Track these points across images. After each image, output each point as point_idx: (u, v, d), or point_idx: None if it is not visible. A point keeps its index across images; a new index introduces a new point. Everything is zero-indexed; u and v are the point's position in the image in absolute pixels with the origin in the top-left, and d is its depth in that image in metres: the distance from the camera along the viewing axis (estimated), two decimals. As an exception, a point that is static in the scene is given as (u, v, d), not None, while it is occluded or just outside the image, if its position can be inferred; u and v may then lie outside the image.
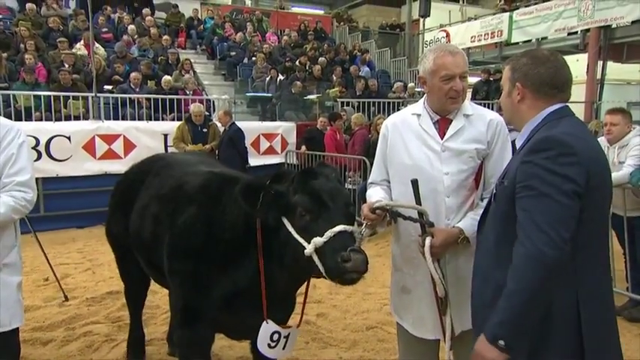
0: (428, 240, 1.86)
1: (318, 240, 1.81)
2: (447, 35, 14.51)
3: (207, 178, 2.46)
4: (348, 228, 1.83)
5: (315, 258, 1.82)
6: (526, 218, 1.41)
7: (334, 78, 11.93)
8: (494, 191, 1.65)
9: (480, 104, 9.07)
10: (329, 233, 1.80)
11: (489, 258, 1.57)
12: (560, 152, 1.40)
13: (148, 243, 2.54)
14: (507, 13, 12.42)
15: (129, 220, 2.73)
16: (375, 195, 2.05)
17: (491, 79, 11.33)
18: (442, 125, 2.01)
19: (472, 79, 14.99)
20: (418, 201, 1.90)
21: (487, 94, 11.27)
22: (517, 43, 12.59)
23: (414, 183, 1.89)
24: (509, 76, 1.63)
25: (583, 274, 1.46)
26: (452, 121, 2.00)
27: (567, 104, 1.59)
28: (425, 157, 1.98)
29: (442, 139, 1.98)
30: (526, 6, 12.15)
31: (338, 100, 10.51)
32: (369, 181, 2.20)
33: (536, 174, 1.41)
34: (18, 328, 2.16)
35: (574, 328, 1.44)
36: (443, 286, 1.90)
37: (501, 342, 1.40)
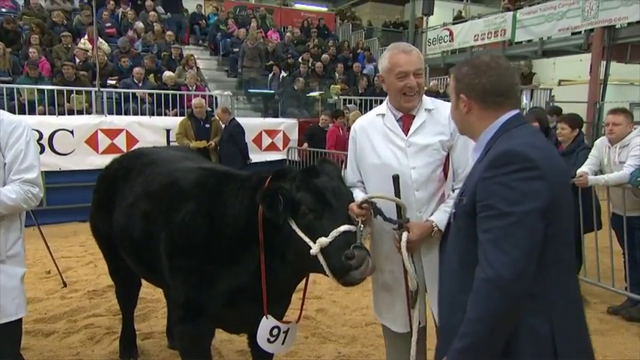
0: (405, 235, 1.90)
1: (323, 240, 1.84)
2: (451, 34, 14.48)
3: (201, 174, 2.45)
4: (352, 228, 1.86)
5: (320, 257, 1.84)
6: (487, 240, 1.30)
7: (337, 75, 11.94)
8: (454, 210, 1.54)
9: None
10: (334, 233, 1.83)
11: (454, 281, 1.47)
12: (522, 167, 1.30)
13: (138, 241, 2.52)
14: (511, 13, 12.39)
15: (113, 218, 2.70)
16: (357, 195, 2.08)
17: (494, 78, 11.29)
18: (405, 122, 2.09)
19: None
20: (398, 196, 1.95)
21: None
22: (520, 42, 12.56)
23: (395, 179, 1.94)
24: (453, 86, 1.55)
25: (555, 295, 1.36)
26: (414, 117, 2.07)
27: (519, 112, 1.52)
28: (392, 155, 2.06)
29: (407, 135, 2.05)
30: (530, 5, 12.10)
31: (340, 97, 10.52)
32: (347, 184, 2.22)
33: (496, 192, 1.31)
34: (22, 319, 2.20)
35: (550, 354, 1.33)
36: (415, 281, 1.96)
37: None
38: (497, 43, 13.06)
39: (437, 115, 2.06)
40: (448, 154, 2.04)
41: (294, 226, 1.93)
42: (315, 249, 1.84)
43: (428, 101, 2.10)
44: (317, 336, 3.57)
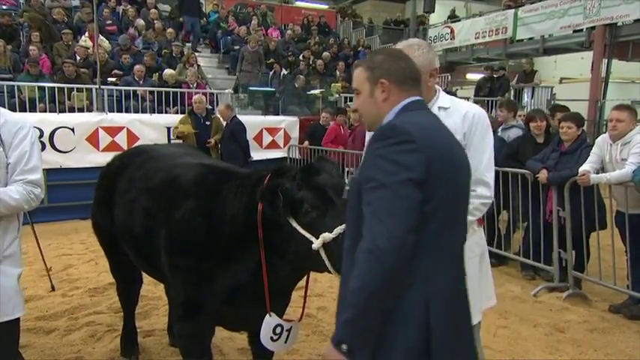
0: None
1: (327, 236, 1.83)
2: (452, 31, 14.45)
3: (201, 171, 2.44)
4: None
5: (322, 253, 1.84)
6: (368, 212, 1.32)
7: (338, 73, 11.92)
8: (348, 187, 1.57)
9: (483, 101, 9.12)
10: (338, 230, 1.82)
11: (347, 257, 1.46)
12: (399, 140, 1.34)
13: (139, 237, 2.51)
14: (512, 10, 12.36)
15: (114, 214, 2.70)
16: None
17: (495, 76, 11.30)
18: None
19: (476, 76, 14.95)
20: None
21: (490, 90, 11.23)
22: (522, 40, 12.53)
23: None
24: (367, 76, 1.53)
25: (433, 271, 1.37)
26: None
27: (422, 98, 1.56)
28: None
29: None
30: (531, 3, 12.07)
31: (341, 95, 10.50)
32: None
33: (376, 164, 1.34)
34: (19, 318, 2.20)
35: (423, 328, 1.35)
36: None
37: (344, 346, 1.32)
38: (498, 41, 13.04)
39: (452, 114, 2.01)
40: None
41: (295, 224, 1.92)
42: (317, 244, 1.84)
43: (445, 99, 2.08)
44: (318, 334, 3.57)
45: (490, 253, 5.15)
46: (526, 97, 11.86)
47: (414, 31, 15.83)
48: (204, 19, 13.38)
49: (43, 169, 2.25)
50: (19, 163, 2.05)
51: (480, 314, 2.09)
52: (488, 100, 10.65)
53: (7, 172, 2.05)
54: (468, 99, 11.89)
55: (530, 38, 12.41)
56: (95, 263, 5.10)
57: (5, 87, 7.50)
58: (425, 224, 1.33)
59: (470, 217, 1.83)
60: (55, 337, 3.44)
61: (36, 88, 7.73)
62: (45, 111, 7.62)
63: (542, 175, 4.47)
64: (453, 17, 15.90)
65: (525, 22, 12.05)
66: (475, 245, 2.07)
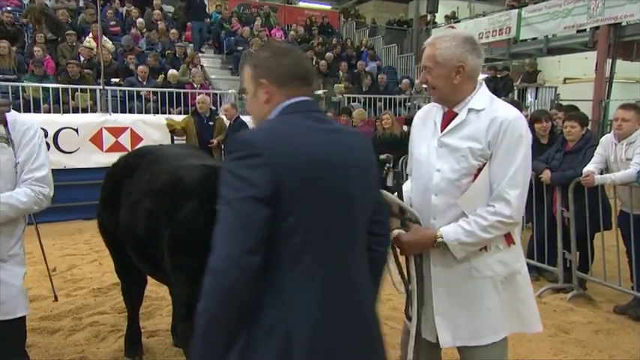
0: (395, 232, 1.83)
1: None
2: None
3: (204, 172, 2.42)
4: None
5: None
6: (216, 230, 1.24)
7: (341, 74, 11.92)
8: None
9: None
10: None
11: None
12: (245, 154, 1.24)
13: (143, 239, 2.52)
14: (516, 10, 12.33)
15: (119, 215, 2.71)
16: (404, 187, 2.04)
17: (498, 76, 11.28)
18: (447, 118, 1.89)
19: (480, 76, 14.91)
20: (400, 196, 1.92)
21: (494, 91, 11.09)
22: (525, 40, 12.51)
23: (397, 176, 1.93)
24: (251, 74, 1.42)
25: (294, 292, 1.26)
26: (457, 114, 1.87)
27: (310, 98, 1.43)
28: (425, 152, 1.92)
29: (442, 133, 1.89)
30: (535, 3, 12.04)
31: (344, 95, 10.50)
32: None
33: (224, 179, 1.26)
34: (24, 317, 2.22)
35: (283, 354, 1.24)
36: (401, 284, 1.88)
37: None
38: (501, 41, 13.01)
39: (482, 118, 1.81)
40: (485, 164, 1.80)
41: None
42: None
43: (481, 100, 1.85)
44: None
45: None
46: (530, 98, 11.83)
47: (417, 32, 15.82)
48: (208, 19, 13.41)
49: (48, 170, 2.27)
50: (27, 162, 2.09)
51: (493, 336, 1.86)
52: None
53: (17, 171, 2.09)
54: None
55: (534, 38, 12.37)
56: (99, 263, 5.11)
57: (10, 88, 7.53)
58: (283, 242, 1.24)
59: (484, 235, 1.76)
60: (59, 337, 3.45)
61: (40, 88, 7.77)
62: (49, 112, 7.65)
63: (546, 175, 4.45)
64: (452, 18, 15.88)
65: (529, 22, 12.03)
66: (497, 264, 1.85)
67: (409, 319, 1.91)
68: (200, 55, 11.66)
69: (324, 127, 1.37)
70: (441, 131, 1.88)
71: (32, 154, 2.11)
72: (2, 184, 2.05)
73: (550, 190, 4.58)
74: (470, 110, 1.85)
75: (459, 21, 15.07)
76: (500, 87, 11.15)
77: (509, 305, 1.88)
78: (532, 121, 5.12)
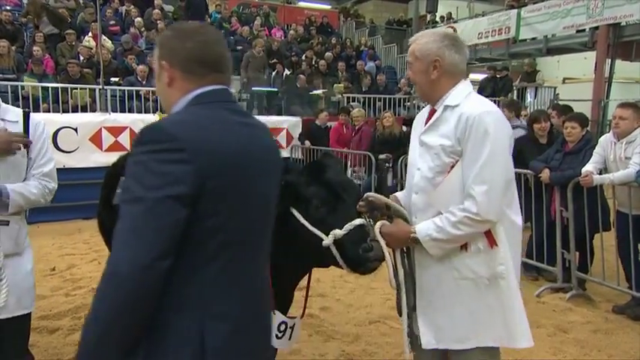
0: (379, 223, 1.86)
1: (338, 232, 1.83)
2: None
3: None
4: (364, 222, 1.87)
5: (334, 249, 1.84)
6: (117, 229, 1.11)
7: (340, 73, 11.92)
8: None
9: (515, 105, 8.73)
10: (348, 226, 1.83)
11: None
12: (166, 147, 1.11)
13: None
14: (515, 10, 12.33)
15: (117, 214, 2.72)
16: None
17: (498, 76, 11.29)
18: (429, 116, 1.92)
19: (479, 76, 14.93)
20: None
21: (493, 91, 11.22)
22: (525, 40, 12.51)
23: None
24: (156, 54, 1.32)
25: (210, 293, 1.19)
26: (436, 112, 1.88)
27: (224, 87, 1.32)
28: (412, 152, 1.99)
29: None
30: (534, 3, 12.05)
31: (344, 95, 10.50)
32: None
33: (135, 173, 1.12)
34: (30, 313, 2.25)
35: (196, 355, 1.16)
36: (395, 280, 1.87)
37: None
38: (501, 40, 13.02)
39: (455, 114, 1.80)
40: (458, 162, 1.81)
41: (304, 221, 1.91)
42: (328, 241, 1.84)
43: (457, 96, 1.83)
44: (321, 334, 3.57)
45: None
46: (529, 98, 11.84)
47: (416, 31, 15.80)
48: (209, 18, 13.39)
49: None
50: (37, 157, 2.16)
51: (476, 340, 1.82)
52: (491, 100, 10.62)
53: (27, 165, 2.15)
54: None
55: (533, 38, 12.37)
56: (98, 263, 5.11)
57: (9, 87, 7.53)
58: (199, 244, 1.16)
59: (454, 231, 1.74)
60: (59, 336, 3.45)
61: (39, 88, 7.76)
62: (48, 111, 7.64)
63: (545, 175, 4.46)
64: (449, 18, 15.87)
65: (528, 22, 12.03)
66: (479, 266, 1.80)
67: (400, 314, 1.92)
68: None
69: (241, 121, 1.29)
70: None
71: (42, 149, 2.19)
72: (15, 177, 2.11)
73: (549, 189, 4.59)
74: (445, 107, 1.84)
75: (456, 21, 15.08)
76: (499, 87, 11.17)
77: (493, 311, 1.82)
78: (531, 121, 5.13)
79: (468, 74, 17.33)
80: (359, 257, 1.81)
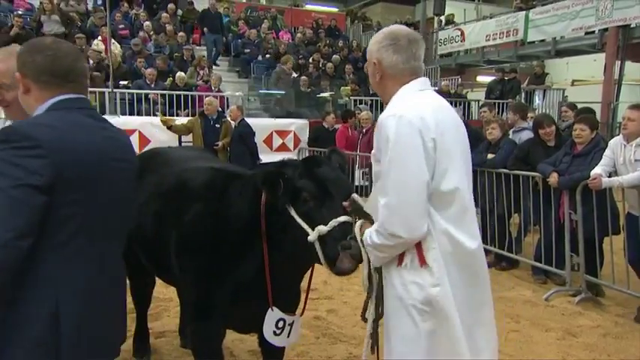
0: (359, 222, 1.80)
1: (322, 228, 1.83)
2: (462, 34, 14.41)
3: (211, 174, 2.47)
4: (350, 219, 1.86)
5: (317, 245, 1.85)
6: None
7: (347, 76, 11.95)
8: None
9: (494, 104, 8.93)
10: (333, 223, 1.83)
11: None
12: (24, 145, 1.29)
13: (151, 240, 2.55)
14: (523, 12, 12.30)
15: None
16: None
17: (506, 78, 11.25)
18: None
19: (487, 78, 14.87)
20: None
21: (501, 93, 11.19)
22: (533, 42, 12.47)
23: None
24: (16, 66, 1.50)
25: (65, 271, 1.38)
26: None
27: (79, 96, 1.49)
28: None
29: None
30: (543, 5, 12.00)
31: (351, 97, 10.52)
32: None
33: None
34: None
35: (53, 327, 1.35)
36: (366, 280, 1.81)
37: None
38: (509, 43, 12.99)
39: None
40: None
41: (293, 213, 1.93)
42: (312, 236, 1.84)
43: (394, 100, 1.73)
44: (328, 336, 3.57)
45: (501, 256, 5.22)
46: (537, 100, 11.78)
47: (423, 34, 15.80)
48: (224, 38, 13.30)
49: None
50: None
51: None
52: (499, 103, 10.60)
53: None
54: (478, 102, 11.91)
55: (542, 40, 12.33)
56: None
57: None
58: (55, 229, 1.34)
59: (374, 239, 1.64)
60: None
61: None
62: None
63: (553, 178, 4.43)
64: (450, 22, 15.82)
65: (536, 24, 11.99)
66: (412, 285, 1.64)
67: (365, 320, 1.84)
68: (207, 56, 11.74)
69: (97, 125, 1.49)
70: None
71: None
72: None
73: (557, 192, 4.56)
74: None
75: (463, 23, 15.05)
76: (507, 89, 11.13)
77: (429, 342, 1.64)
78: (535, 126, 5.10)
79: (475, 77, 17.12)
80: (335, 257, 1.79)
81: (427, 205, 1.61)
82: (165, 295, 4.12)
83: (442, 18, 15.95)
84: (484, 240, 5.41)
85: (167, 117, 7.38)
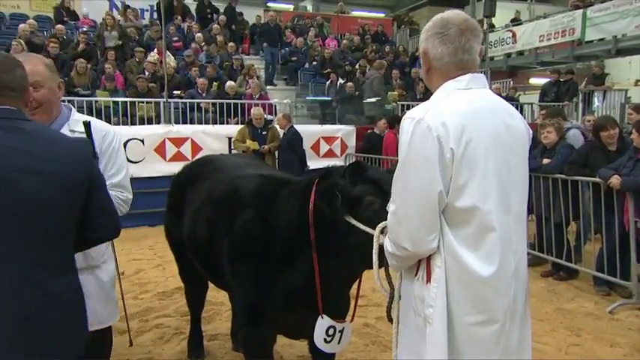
0: (382, 224, 1.72)
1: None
2: (513, 35, 13.96)
3: (260, 182, 2.51)
4: None
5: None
6: None
7: (394, 81, 11.86)
8: None
9: (548, 107, 8.58)
10: None
11: None
12: None
13: (203, 246, 2.61)
14: (580, 10, 11.74)
15: (183, 222, 2.82)
16: None
17: (562, 79, 10.77)
18: None
19: (540, 80, 14.30)
20: None
21: (557, 95, 10.72)
22: (591, 41, 11.87)
23: None
24: None
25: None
26: None
27: (6, 107, 1.52)
28: None
29: None
30: (602, 2, 11.41)
31: (398, 103, 10.42)
32: None
33: None
34: (111, 327, 2.28)
35: None
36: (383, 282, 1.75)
37: None
38: (565, 43, 12.43)
39: None
40: None
41: (354, 221, 1.89)
42: (383, 237, 1.75)
43: (432, 98, 1.59)
44: (377, 344, 3.54)
45: (559, 265, 4.98)
46: (597, 102, 11.20)
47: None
48: (280, 49, 13.50)
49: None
50: (105, 168, 2.08)
51: None
52: (554, 105, 10.16)
53: None
54: (531, 104, 11.46)
55: (601, 39, 11.72)
56: (163, 268, 5.35)
57: (85, 102, 8.11)
58: None
59: (387, 246, 1.59)
60: (127, 337, 3.64)
61: (111, 102, 8.30)
62: (118, 124, 8.15)
63: (615, 180, 4.20)
64: (515, 20, 15.32)
65: (595, 23, 11.41)
66: (417, 299, 1.55)
67: (391, 321, 1.73)
68: (255, 65, 12.00)
69: (9, 136, 1.48)
70: None
71: (110, 159, 2.12)
72: None
73: (621, 198, 4.31)
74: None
75: (520, 23, 14.56)
76: (563, 91, 10.66)
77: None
78: (596, 129, 4.84)
79: (528, 79, 16.46)
80: None
81: (438, 219, 1.46)
82: (217, 299, 4.23)
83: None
84: (540, 248, 5.22)
85: (249, 144, 7.54)
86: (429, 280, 1.50)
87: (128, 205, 2.19)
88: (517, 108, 10.90)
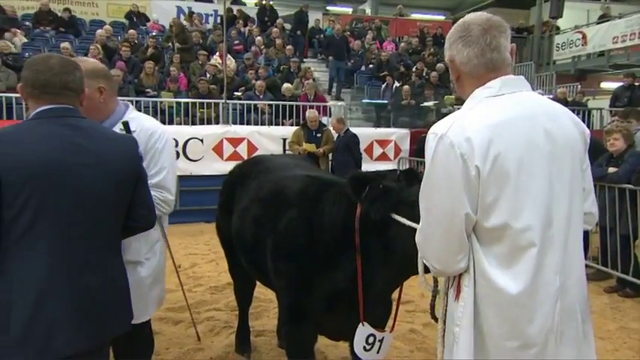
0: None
1: None
2: (584, 37, 13.20)
3: (306, 182, 2.52)
4: None
5: None
6: None
7: (452, 85, 11.58)
8: None
9: (620, 112, 7.97)
10: None
11: None
12: None
13: (250, 244, 2.67)
14: (660, 10, 10.93)
15: (232, 220, 2.89)
16: None
17: (637, 84, 10.06)
18: None
19: (612, 85, 13.42)
20: None
21: (630, 100, 10.02)
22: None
23: None
24: None
25: (16, 265, 1.50)
26: None
27: (62, 105, 1.64)
28: None
29: None
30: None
31: (455, 106, 10.18)
32: None
33: None
34: (149, 320, 2.29)
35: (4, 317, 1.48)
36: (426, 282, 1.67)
37: None
38: (641, 45, 11.62)
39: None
40: None
41: (410, 223, 1.83)
42: None
43: (462, 107, 1.51)
44: (423, 351, 3.49)
45: (625, 281, 4.67)
46: (676, 107, 10.35)
47: (537, 39, 14.78)
48: (323, 35, 13.86)
49: (177, 176, 2.40)
50: (147, 167, 2.06)
51: None
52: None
53: None
54: (600, 110, 10.79)
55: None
56: (216, 264, 5.56)
57: (150, 102, 8.58)
58: (11, 227, 1.48)
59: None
60: (180, 327, 3.82)
61: (174, 103, 8.74)
62: (180, 123, 8.55)
63: None
64: (604, 17, 14.36)
65: (676, 23, 10.58)
66: (449, 314, 1.51)
67: (435, 319, 1.66)
68: (313, 68, 12.14)
69: (66, 133, 1.60)
70: None
71: (152, 159, 2.12)
72: None
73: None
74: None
75: (586, 25, 13.76)
76: (637, 96, 9.96)
77: None
78: None
79: (599, 83, 15.55)
80: None
81: (465, 240, 1.39)
82: (265, 296, 4.33)
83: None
84: (604, 262, 4.91)
85: (306, 147, 7.70)
86: (457, 297, 1.45)
87: (169, 206, 2.19)
88: (585, 113, 10.39)
